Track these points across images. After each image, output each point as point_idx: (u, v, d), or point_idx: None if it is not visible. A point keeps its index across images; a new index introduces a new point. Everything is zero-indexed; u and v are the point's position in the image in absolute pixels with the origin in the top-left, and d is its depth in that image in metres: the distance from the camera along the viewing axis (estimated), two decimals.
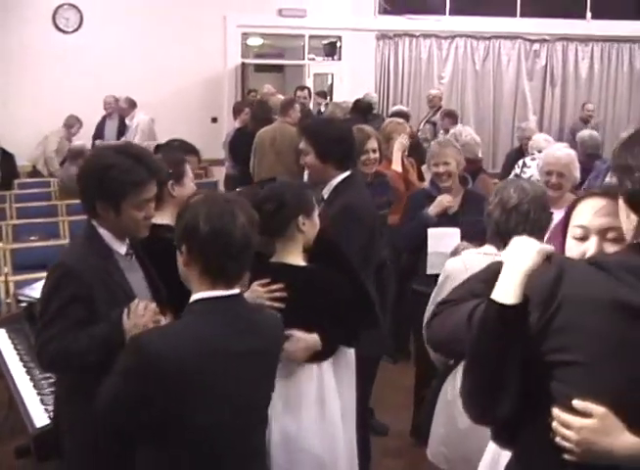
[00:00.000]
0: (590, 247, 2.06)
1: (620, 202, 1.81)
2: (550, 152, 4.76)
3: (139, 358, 2.31)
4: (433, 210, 4.68)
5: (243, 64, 12.38)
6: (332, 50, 13.18)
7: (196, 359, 2.30)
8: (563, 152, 4.66)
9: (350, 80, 12.48)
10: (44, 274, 2.88)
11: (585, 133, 7.63)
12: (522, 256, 1.78)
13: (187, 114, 11.52)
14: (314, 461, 3.09)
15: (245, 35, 12.59)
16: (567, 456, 1.74)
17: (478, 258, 3.20)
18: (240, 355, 2.39)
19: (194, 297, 2.42)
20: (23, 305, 4.43)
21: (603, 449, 1.70)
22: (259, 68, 13.01)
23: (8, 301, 5.41)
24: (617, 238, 1.89)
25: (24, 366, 3.91)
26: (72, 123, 10.66)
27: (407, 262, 4.98)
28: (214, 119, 12.27)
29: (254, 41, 13.14)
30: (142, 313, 2.65)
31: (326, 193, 3.90)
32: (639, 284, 1.66)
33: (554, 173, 4.42)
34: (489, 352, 1.76)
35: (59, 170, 9.80)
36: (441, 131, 9.31)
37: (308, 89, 10.79)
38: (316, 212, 3.25)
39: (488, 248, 3.25)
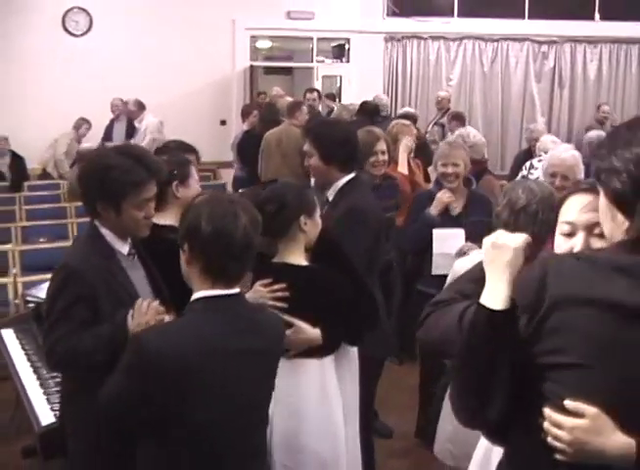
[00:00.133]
0: (577, 243, 2.08)
1: (604, 203, 1.81)
2: (555, 154, 4.68)
3: (139, 356, 2.33)
4: (434, 208, 4.69)
5: (251, 66, 12.41)
6: (340, 52, 13.20)
7: (195, 357, 2.32)
8: (568, 154, 4.61)
9: (359, 83, 12.49)
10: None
11: (593, 134, 7.61)
12: (505, 258, 1.79)
13: (196, 116, 11.57)
14: (316, 460, 3.10)
15: (253, 38, 12.63)
16: (558, 456, 1.74)
17: None
18: (240, 354, 2.41)
19: (195, 295, 2.45)
20: (31, 305, 4.46)
21: (595, 449, 1.70)
22: (269, 70, 13.03)
23: (16, 301, 5.45)
24: (603, 233, 1.90)
25: (32, 366, 3.94)
26: (80, 124, 10.74)
27: (412, 264, 4.99)
28: (223, 122, 12.32)
29: (263, 44, 13.17)
30: (145, 312, 2.68)
31: (331, 195, 3.89)
32: (630, 283, 1.66)
33: (558, 175, 4.39)
34: (479, 356, 1.76)
35: (69, 172, 9.85)
36: (449, 133, 9.30)
37: (318, 91, 10.80)
38: (318, 212, 3.26)
39: None
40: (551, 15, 13.04)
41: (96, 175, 2.79)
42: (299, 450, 3.09)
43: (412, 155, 6.31)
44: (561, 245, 2.15)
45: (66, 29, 11.66)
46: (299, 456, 3.09)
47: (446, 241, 4.58)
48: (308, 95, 10.26)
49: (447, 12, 13.01)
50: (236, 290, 2.49)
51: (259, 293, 3.07)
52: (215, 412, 2.38)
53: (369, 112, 8.72)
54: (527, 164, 6.96)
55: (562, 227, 2.16)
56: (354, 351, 3.42)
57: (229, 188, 9.56)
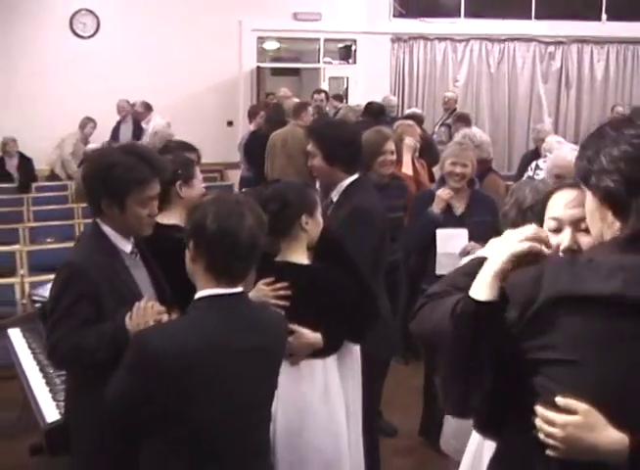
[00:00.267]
0: (564, 238, 2.08)
1: (592, 204, 1.82)
2: (560, 154, 4.58)
3: (141, 354, 2.36)
4: (436, 206, 4.71)
5: (258, 67, 12.43)
6: (347, 53, 13.20)
7: (196, 355, 2.34)
8: (573, 155, 4.56)
9: (366, 83, 12.48)
10: None
11: None
12: (499, 255, 1.80)
13: (203, 117, 11.59)
14: (319, 457, 3.12)
15: (260, 39, 12.64)
16: (551, 453, 1.75)
17: None
18: (241, 353, 2.42)
19: (198, 294, 2.47)
20: (38, 305, 4.50)
21: (588, 445, 1.71)
22: (276, 71, 13.04)
23: (24, 301, 5.49)
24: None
25: (38, 364, 3.97)
26: (85, 124, 10.79)
27: (416, 263, 5.00)
28: (230, 123, 12.33)
29: (270, 45, 13.19)
30: (143, 313, 2.70)
31: (335, 196, 3.89)
32: (626, 279, 1.67)
33: (563, 176, 4.35)
34: (464, 344, 1.78)
35: (76, 172, 9.89)
36: (456, 134, 9.31)
37: (325, 92, 10.81)
38: (319, 211, 3.28)
39: None
40: (558, 15, 13.03)
41: (100, 173, 2.82)
42: (303, 448, 3.11)
43: (417, 155, 6.32)
44: None
45: (73, 31, 11.68)
46: (303, 454, 3.11)
47: (450, 241, 4.60)
48: (316, 96, 10.28)
49: (454, 12, 13.00)
50: (239, 289, 2.50)
51: (262, 291, 3.09)
52: (215, 411, 2.39)
53: (374, 112, 8.74)
54: (533, 164, 6.95)
55: (548, 223, 2.17)
56: (357, 349, 3.44)
57: (236, 189, 9.58)
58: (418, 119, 8.26)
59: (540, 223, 3.08)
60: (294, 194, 3.19)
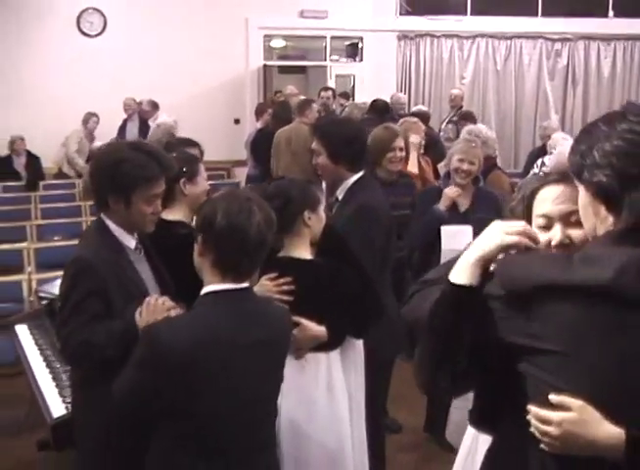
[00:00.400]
0: (555, 235, 2.08)
1: (585, 199, 1.83)
2: (563, 151, 4.60)
3: (151, 349, 2.38)
4: (442, 204, 4.72)
5: (265, 65, 12.45)
6: (353, 51, 13.20)
7: (203, 351, 2.35)
8: None
9: (372, 81, 12.48)
10: None
11: None
12: (483, 242, 1.82)
13: (210, 115, 11.61)
14: (322, 451, 3.15)
15: (267, 37, 12.65)
16: (548, 449, 1.75)
17: None
18: (247, 347, 2.44)
19: (205, 289, 2.49)
20: (44, 301, 4.53)
21: (585, 441, 1.71)
22: (283, 69, 13.05)
23: (31, 298, 5.53)
24: (580, 220, 1.92)
25: (45, 360, 4.00)
26: (88, 118, 10.82)
27: (421, 260, 5.01)
28: (237, 121, 12.35)
29: (277, 43, 13.20)
30: (153, 310, 2.71)
31: (340, 194, 3.89)
32: (617, 270, 1.66)
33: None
34: (440, 326, 1.81)
35: (84, 168, 9.93)
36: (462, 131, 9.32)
37: (332, 90, 10.82)
38: (321, 207, 3.30)
39: None
40: (564, 12, 13.00)
41: (109, 168, 2.83)
42: (306, 442, 3.13)
43: (422, 151, 6.34)
44: None
45: (80, 30, 11.71)
46: (307, 448, 3.13)
47: (454, 237, 4.60)
48: (323, 94, 10.30)
49: (460, 10, 12.99)
50: (246, 284, 2.52)
51: (265, 287, 3.10)
52: (221, 406, 2.41)
53: (379, 110, 8.75)
54: (539, 161, 6.99)
55: (537, 221, 2.16)
56: (360, 344, 3.46)
57: (242, 186, 9.61)
58: (424, 117, 8.26)
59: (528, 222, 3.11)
60: (296, 190, 3.21)
